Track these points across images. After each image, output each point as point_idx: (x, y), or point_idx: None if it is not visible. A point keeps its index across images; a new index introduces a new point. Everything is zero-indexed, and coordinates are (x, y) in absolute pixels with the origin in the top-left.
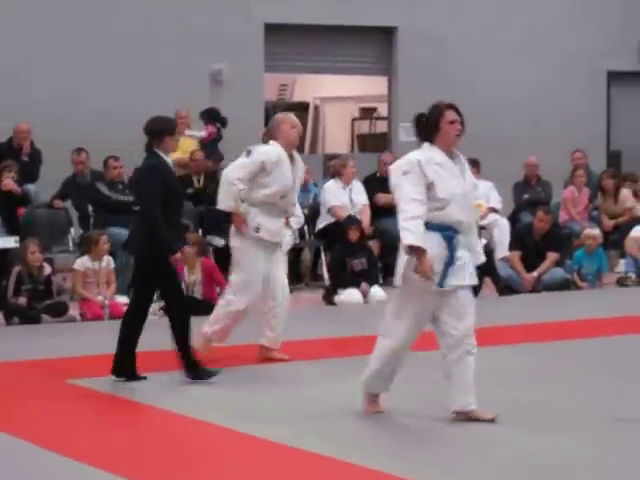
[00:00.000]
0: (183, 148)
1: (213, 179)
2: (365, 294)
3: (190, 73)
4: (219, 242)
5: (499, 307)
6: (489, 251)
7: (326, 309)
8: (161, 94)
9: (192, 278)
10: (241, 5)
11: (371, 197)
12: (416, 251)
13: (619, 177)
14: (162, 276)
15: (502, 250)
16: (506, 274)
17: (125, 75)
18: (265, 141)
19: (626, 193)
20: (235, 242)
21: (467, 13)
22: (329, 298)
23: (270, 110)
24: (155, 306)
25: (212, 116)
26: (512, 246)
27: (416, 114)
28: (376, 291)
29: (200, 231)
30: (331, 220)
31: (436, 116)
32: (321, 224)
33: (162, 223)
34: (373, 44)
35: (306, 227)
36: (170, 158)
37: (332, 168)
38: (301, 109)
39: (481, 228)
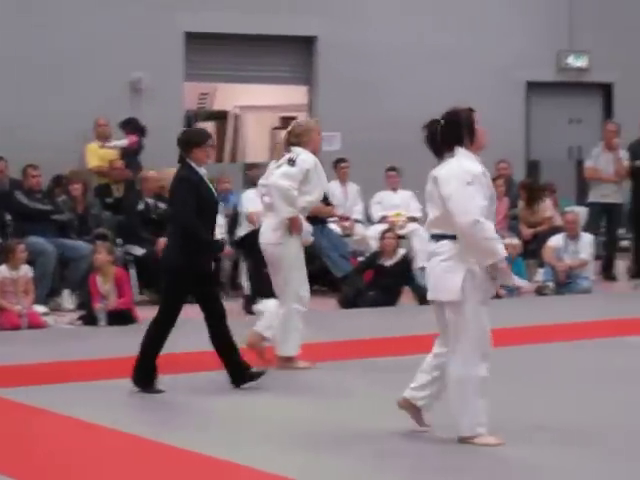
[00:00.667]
0: (101, 156)
1: (132, 188)
2: None
3: (109, 81)
4: (138, 251)
5: (418, 316)
6: (409, 260)
7: (247, 319)
8: (80, 102)
9: (106, 287)
10: (161, 13)
11: None
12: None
13: (537, 187)
14: (175, 287)
15: (422, 259)
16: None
17: (44, 83)
18: (290, 145)
19: (547, 203)
20: (280, 249)
21: (388, 23)
22: (249, 308)
23: (191, 119)
24: (73, 316)
25: (133, 125)
26: None
27: (429, 121)
28: None
29: (120, 240)
30: (250, 229)
31: (469, 119)
32: (241, 233)
33: (202, 229)
34: (293, 54)
35: (226, 236)
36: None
37: (250, 177)
38: (221, 118)
39: (400, 237)
